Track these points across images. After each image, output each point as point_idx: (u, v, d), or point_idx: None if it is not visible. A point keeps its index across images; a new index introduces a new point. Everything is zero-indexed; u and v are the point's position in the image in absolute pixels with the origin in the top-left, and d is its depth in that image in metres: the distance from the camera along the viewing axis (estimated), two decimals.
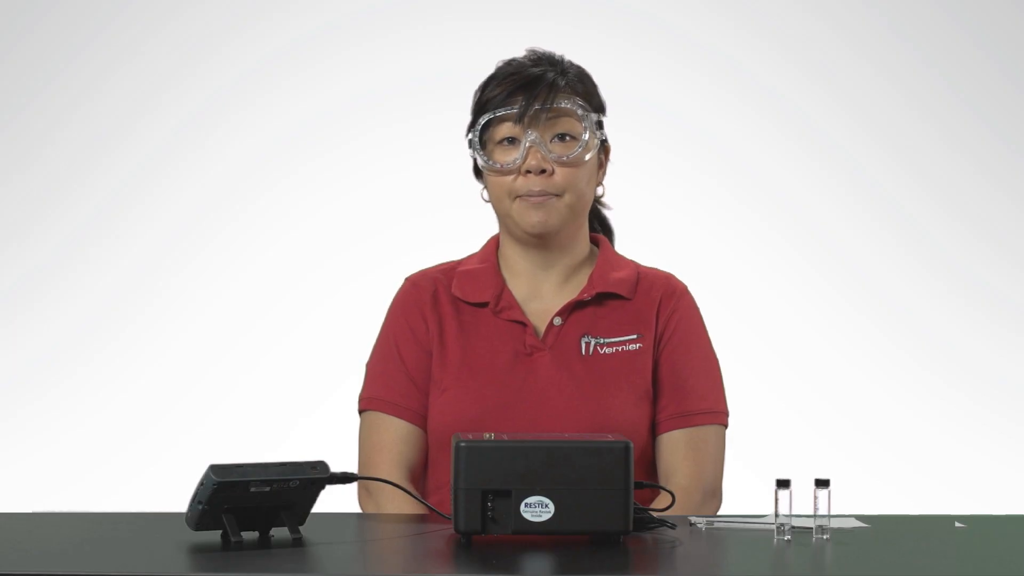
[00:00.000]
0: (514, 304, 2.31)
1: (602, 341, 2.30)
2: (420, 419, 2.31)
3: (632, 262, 2.40)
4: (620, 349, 2.30)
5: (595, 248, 2.40)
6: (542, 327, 2.30)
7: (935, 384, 4.46)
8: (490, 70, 2.35)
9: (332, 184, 4.41)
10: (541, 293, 2.33)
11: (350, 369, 4.20)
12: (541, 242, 2.31)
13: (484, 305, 2.31)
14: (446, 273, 2.36)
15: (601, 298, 2.32)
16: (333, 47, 4.44)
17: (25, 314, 4.38)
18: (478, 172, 2.36)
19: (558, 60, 2.33)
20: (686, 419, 2.32)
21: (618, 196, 4.46)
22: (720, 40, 4.50)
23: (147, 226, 4.41)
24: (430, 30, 4.39)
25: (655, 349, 2.32)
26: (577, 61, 2.38)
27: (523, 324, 2.29)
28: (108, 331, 4.37)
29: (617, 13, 4.44)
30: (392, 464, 2.29)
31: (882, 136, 4.53)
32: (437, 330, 2.31)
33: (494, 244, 2.39)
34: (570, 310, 2.31)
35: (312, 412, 4.24)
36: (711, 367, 2.37)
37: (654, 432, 2.32)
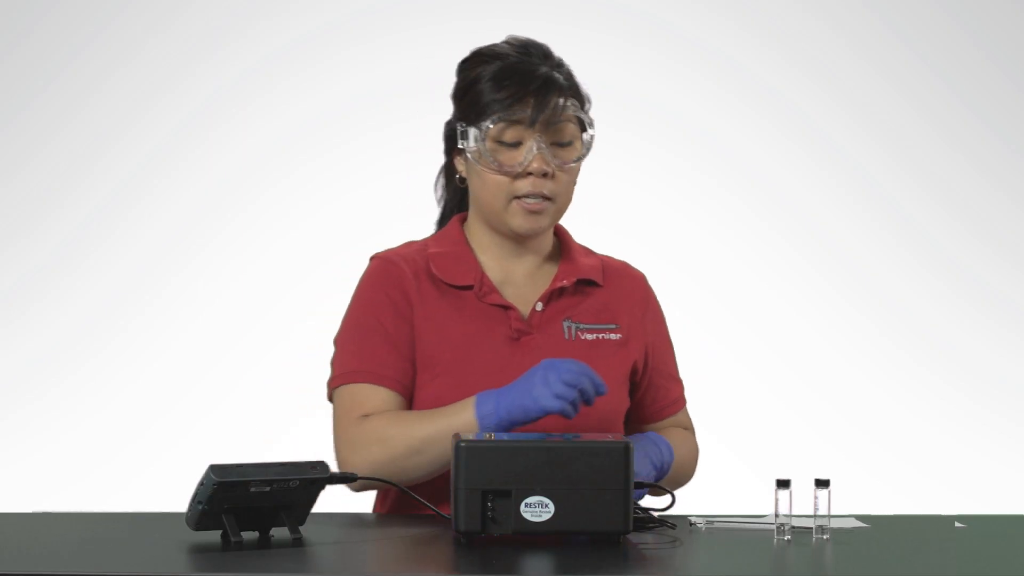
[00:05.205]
0: (494, 288, 2.30)
1: (582, 327, 2.31)
2: (407, 391, 2.25)
3: (592, 250, 2.42)
4: (600, 337, 2.32)
5: (556, 238, 2.40)
6: (524, 312, 2.31)
7: (935, 384, 4.46)
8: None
9: (331, 184, 4.41)
10: (513, 279, 2.33)
11: None
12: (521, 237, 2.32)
13: (468, 288, 2.30)
14: (419, 253, 2.33)
15: (576, 285, 2.33)
16: (333, 47, 4.44)
17: (25, 314, 4.38)
18: (450, 151, 2.35)
19: (548, 53, 2.32)
20: (676, 405, 2.42)
21: (618, 195, 4.48)
22: (720, 40, 4.50)
23: (147, 226, 4.41)
24: (430, 30, 4.39)
25: (640, 349, 2.35)
26: (576, 60, 2.38)
27: (509, 308, 2.29)
28: (108, 331, 4.38)
29: (617, 13, 4.44)
30: (355, 419, 2.21)
31: (882, 136, 4.53)
32: (423, 310, 2.27)
33: (459, 226, 2.37)
34: (549, 296, 2.31)
35: (312, 412, 4.23)
36: (673, 349, 2.47)
37: (645, 419, 2.39)
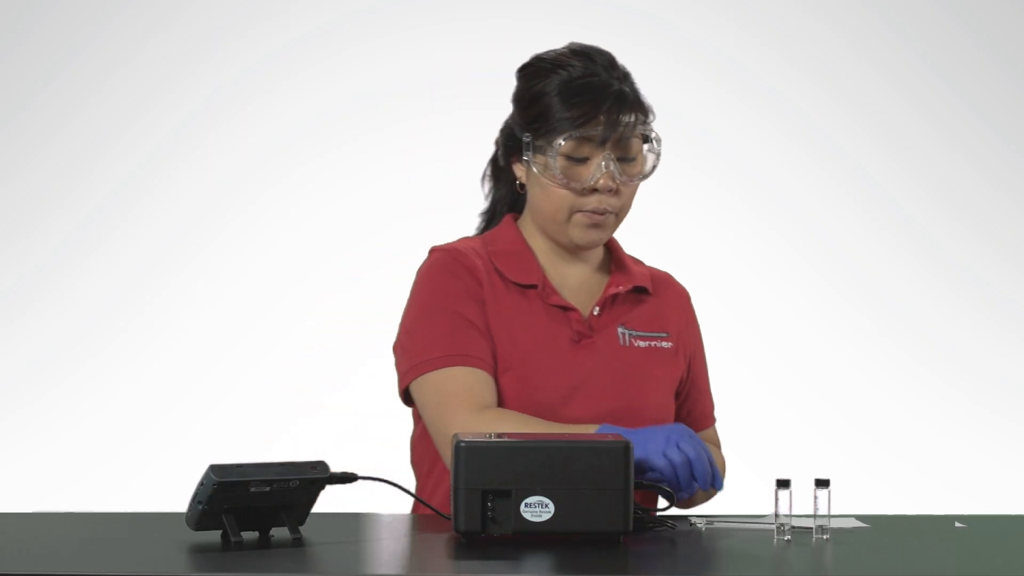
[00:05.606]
0: (555, 290, 2.29)
1: (635, 334, 2.32)
2: (493, 369, 2.21)
3: (640, 261, 2.44)
4: (653, 344, 2.32)
5: (606, 248, 2.40)
6: (584, 315, 2.30)
7: (935, 384, 4.46)
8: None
9: (332, 184, 4.41)
10: (568, 284, 2.32)
11: (350, 369, 4.21)
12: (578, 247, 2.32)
13: (533, 287, 2.29)
14: (482, 248, 2.31)
15: (628, 293, 2.34)
16: (333, 47, 4.44)
17: (25, 314, 4.38)
18: (509, 156, 2.31)
19: (613, 62, 2.30)
20: (709, 420, 2.44)
21: None
22: (720, 40, 4.50)
23: (147, 226, 4.41)
24: (430, 30, 4.38)
25: (685, 360, 2.37)
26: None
27: (570, 309, 2.28)
28: (108, 331, 4.37)
29: (617, 13, 4.44)
30: (472, 406, 2.16)
31: (882, 136, 4.53)
32: (494, 304, 2.25)
33: (514, 226, 2.35)
34: (604, 302, 2.31)
35: (312, 412, 4.24)
36: (707, 365, 2.48)
37: None
